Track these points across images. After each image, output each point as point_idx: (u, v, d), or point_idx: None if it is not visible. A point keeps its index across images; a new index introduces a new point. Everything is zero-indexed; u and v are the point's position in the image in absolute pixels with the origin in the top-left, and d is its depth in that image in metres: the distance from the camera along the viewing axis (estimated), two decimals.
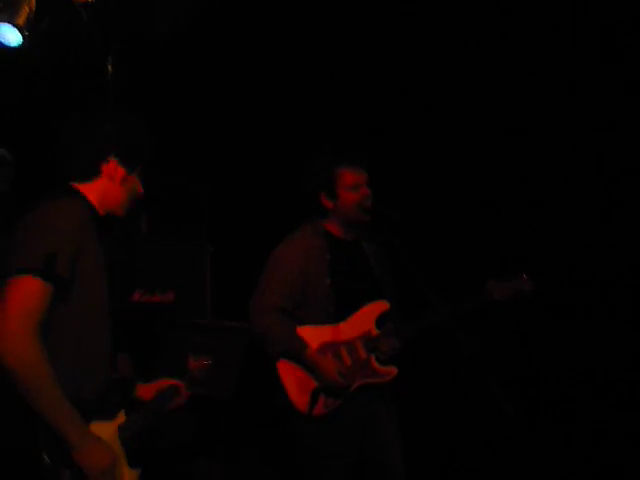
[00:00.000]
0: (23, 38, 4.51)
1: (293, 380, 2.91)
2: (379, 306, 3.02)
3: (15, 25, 4.55)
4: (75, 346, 1.88)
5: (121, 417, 2.03)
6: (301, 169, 3.11)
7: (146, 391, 2.24)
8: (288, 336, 2.92)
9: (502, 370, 2.73)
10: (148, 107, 4.78)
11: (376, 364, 2.96)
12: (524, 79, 3.57)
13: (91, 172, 2.08)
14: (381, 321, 3.01)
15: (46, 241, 1.83)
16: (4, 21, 4.52)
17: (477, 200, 3.68)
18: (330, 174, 3.01)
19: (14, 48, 4.53)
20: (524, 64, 3.54)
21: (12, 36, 4.54)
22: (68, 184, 2.09)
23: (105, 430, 1.92)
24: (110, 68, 4.78)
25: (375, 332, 2.99)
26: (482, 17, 3.63)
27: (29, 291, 1.74)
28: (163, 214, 4.66)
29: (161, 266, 4.41)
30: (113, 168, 2.08)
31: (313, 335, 2.94)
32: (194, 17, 4.74)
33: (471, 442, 3.61)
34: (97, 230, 2.01)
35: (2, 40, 4.52)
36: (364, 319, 3.00)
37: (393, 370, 2.97)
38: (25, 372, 1.70)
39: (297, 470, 2.94)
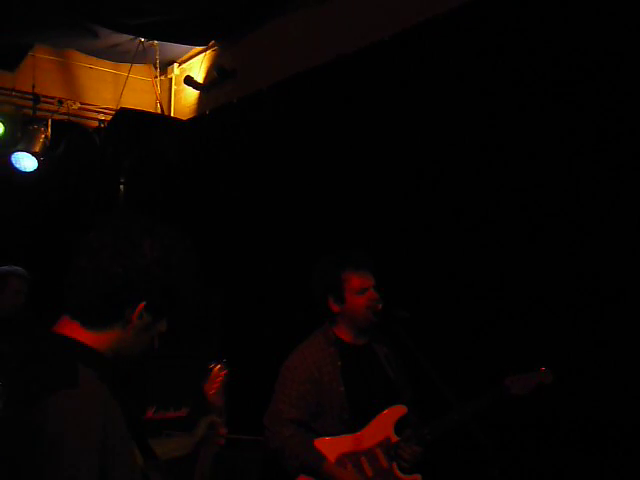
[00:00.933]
0: (38, 163, 4.71)
1: None
2: (397, 411, 2.93)
3: (32, 153, 4.78)
4: None
5: None
6: (309, 275, 3.12)
7: None
8: (304, 450, 2.82)
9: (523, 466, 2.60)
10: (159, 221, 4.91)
11: (399, 473, 2.84)
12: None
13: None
14: (400, 426, 2.92)
15: None
16: (22, 150, 4.76)
17: (486, 295, 3.65)
18: (336, 279, 3.02)
19: (30, 173, 4.73)
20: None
21: (28, 162, 4.76)
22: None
23: None
24: (122, 188, 4.95)
25: (395, 439, 2.89)
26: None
27: None
28: (175, 329, 4.65)
29: (174, 382, 4.35)
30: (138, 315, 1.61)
31: (331, 446, 2.85)
32: (199, 139, 4.94)
33: None
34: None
35: (19, 166, 4.73)
36: (382, 426, 2.90)
37: (417, 477, 2.85)
38: None
39: None
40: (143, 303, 1.58)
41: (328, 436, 2.86)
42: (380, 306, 2.96)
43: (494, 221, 3.66)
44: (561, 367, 3.05)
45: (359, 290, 2.99)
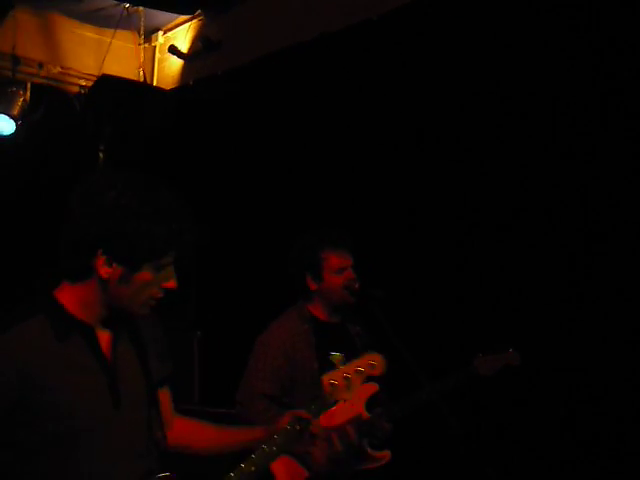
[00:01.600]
0: (16, 127, 4.64)
1: (284, 471, 2.81)
2: (368, 389, 2.96)
3: (9, 115, 4.70)
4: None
5: None
6: (287, 252, 3.14)
7: None
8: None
9: (494, 447, 2.68)
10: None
11: (369, 449, 2.91)
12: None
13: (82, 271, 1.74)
14: (370, 403, 2.97)
15: None
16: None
17: (459, 276, 3.71)
18: (315, 257, 3.04)
19: (7, 136, 4.66)
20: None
21: (5, 125, 4.68)
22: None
23: None
24: (101, 155, 4.90)
25: (366, 415, 2.93)
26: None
27: None
28: None
29: None
30: (104, 267, 1.71)
31: None
32: (182, 110, 4.89)
33: None
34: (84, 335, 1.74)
35: None
36: (353, 403, 2.94)
37: (387, 454, 2.93)
38: None
39: None
40: (100, 250, 1.69)
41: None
42: (357, 285, 3.00)
43: (468, 203, 3.70)
44: (529, 349, 3.12)
45: (337, 269, 3.02)
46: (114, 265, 1.71)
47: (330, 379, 2.14)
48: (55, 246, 1.76)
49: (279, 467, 2.81)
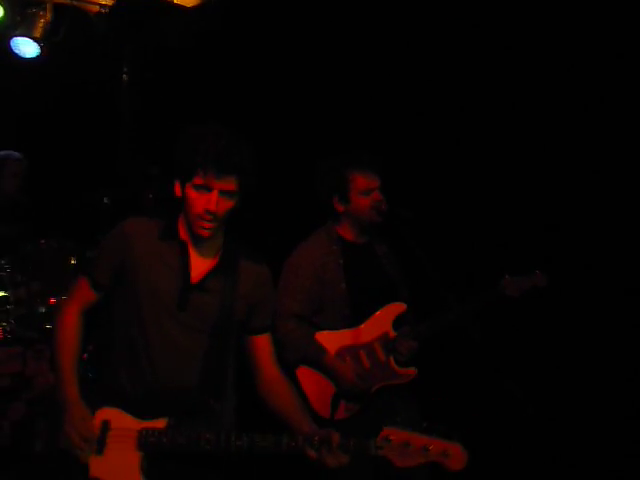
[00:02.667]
0: (40, 49, 4.59)
1: (313, 386, 2.92)
2: (396, 308, 3.03)
3: (32, 37, 4.63)
4: (120, 337, 2.22)
5: (158, 423, 2.11)
6: (314, 173, 3.13)
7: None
8: (306, 342, 2.94)
9: (518, 367, 2.73)
10: (163, 114, 4.85)
11: (395, 365, 2.97)
12: (541, 76, 3.56)
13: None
14: (398, 322, 3.03)
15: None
16: (21, 34, 4.61)
17: (489, 197, 3.68)
18: (343, 178, 3.04)
19: (31, 59, 4.62)
20: (542, 61, 3.53)
21: (29, 48, 4.62)
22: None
23: (122, 421, 2.13)
24: (125, 77, 4.84)
25: (393, 334, 3.00)
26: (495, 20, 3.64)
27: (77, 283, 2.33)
28: None
29: None
30: (177, 190, 2.18)
31: (331, 340, 2.96)
32: (204, 28, 4.79)
33: (491, 440, 3.61)
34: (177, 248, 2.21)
35: (19, 52, 4.60)
36: (381, 321, 3.01)
37: (412, 371, 2.99)
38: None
39: (319, 476, 2.94)
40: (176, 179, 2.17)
41: (329, 330, 2.98)
42: (384, 206, 3.00)
43: (498, 122, 3.64)
44: (556, 270, 3.13)
45: (364, 191, 3.02)
46: (177, 185, 2.15)
47: (390, 435, 2.01)
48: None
49: (308, 383, 2.92)
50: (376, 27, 4.10)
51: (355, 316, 2.99)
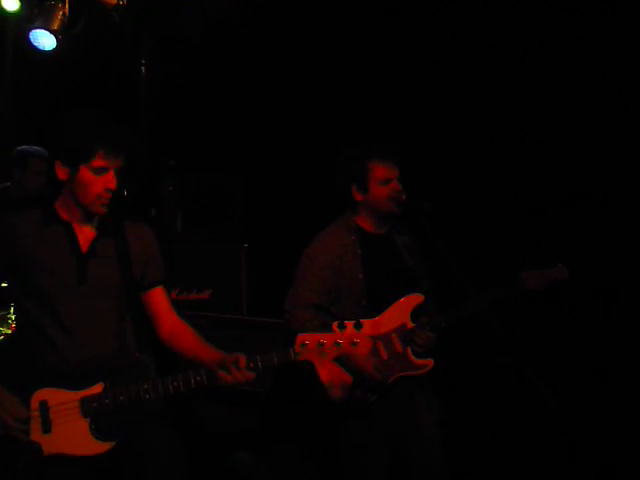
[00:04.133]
0: (57, 42, 4.60)
1: (330, 375, 2.92)
2: (414, 299, 3.01)
3: (50, 30, 4.65)
4: (35, 324, 2.32)
5: (95, 389, 2.27)
6: (333, 163, 3.11)
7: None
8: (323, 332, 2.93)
9: (538, 359, 2.70)
10: (181, 106, 4.86)
11: (413, 357, 2.96)
12: (555, 71, 3.53)
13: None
14: (416, 313, 3.00)
15: None
16: (40, 27, 4.63)
17: (510, 190, 3.65)
18: (362, 168, 3.02)
19: (49, 51, 4.63)
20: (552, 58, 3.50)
21: (47, 40, 4.64)
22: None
23: (60, 397, 2.25)
24: (143, 69, 4.85)
25: (410, 325, 2.98)
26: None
27: None
28: (198, 214, 4.71)
29: (197, 265, 4.46)
30: (60, 173, 2.28)
31: None
32: (222, 19, 4.78)
33: (511, 431, 3.59)
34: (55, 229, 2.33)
35: (38, 44, 4.62)
36: (399, 312, 2.99)
37: (430, 362, 2.97)
38: None
39: (337, 464, 2.94)
40: (56, 159, 2.27)
41: (346, 320, 2.96)
42: (404, 197, 2.98)
43: (517, 119, 3.60)
44: (577, 263, 3.09)
45: (383, 180, 3.00)
46: (61, 167, 2.26)
47: (304, 339, 2.25)
48: None
49: (325, 373, 2.91)
50: (397, 18, 4.06)
51: (373, 307, 2.97)
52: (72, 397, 2.26)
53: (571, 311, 3.33)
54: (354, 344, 2.25)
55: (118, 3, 4.92)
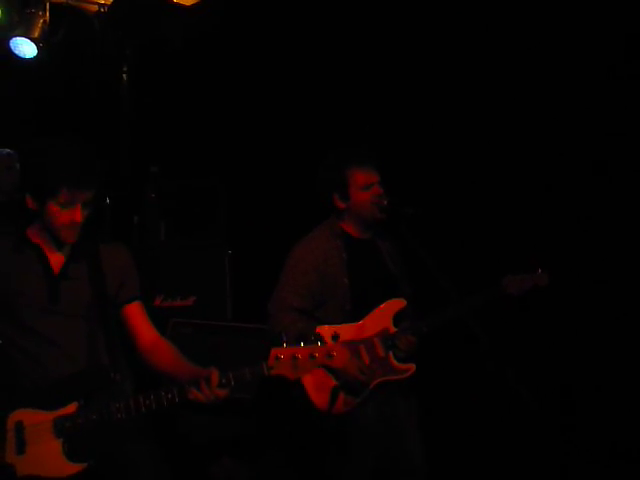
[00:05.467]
0: (38, 50, 4.58)
1: (312, 379, 2.92)
2: (396, 304, 3.03)
3: (30, 38, 4.63)
4: (11, 345, 2.35)
5: (68, 409, 2.27)
6: (315, 170, 3.13)
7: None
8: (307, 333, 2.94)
9: (519, 362, 2.73)
10: (163, 112, 4.85)
11: (394, 361, 2.97)
12: (542, 72, 3.56)
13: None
14: (398, 318, 3.02)
15: None
16: (20, 35, 4.61)
17: (491, 195, 3.67)
18: (341, 176, 3.03)
19: (30, 59, 4.61)
20: (541, 58, 3.54)
21: (28, 48, 4.62)
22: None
23: (35, 418, 2.26)
24: (125, 77, 4.84)
25: (393, 329, 3.00)
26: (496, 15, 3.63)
27: None
28: (181, 220, 4.71)
29: (181, 271, 4.45)
30: (30, 203, 2.34)
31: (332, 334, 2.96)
32: (203, 25, 4.78)
33: (492, 435, 3.61)
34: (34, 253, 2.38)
35: (18, 52, 4.60)
36: (382, 317, 3.01)
37: (411, 367, 2.99)
38: None
39: (318, 467, 2.95)
40: (26, 191, 2.33)
41: (329, 324, 2.97)
42: (385, 202, 2.99)
43: (502, 123, 3.63)
44: (558, 269, 3.12)
45: (364, 186, 3.01)
46: (31, 200, 2.32)
47: (278, 353, 2.18)
48: None
49: (308, 377, 2.90)
50: (374, 22, 4.09)
51: (356, 311, 2.99)
52: (46, 417, 2.26)
53: (551, 314, 3.36)
54: (330, 356, 2.19)
55: (99, 10, 4.91)
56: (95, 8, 4.92)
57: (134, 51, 4.78)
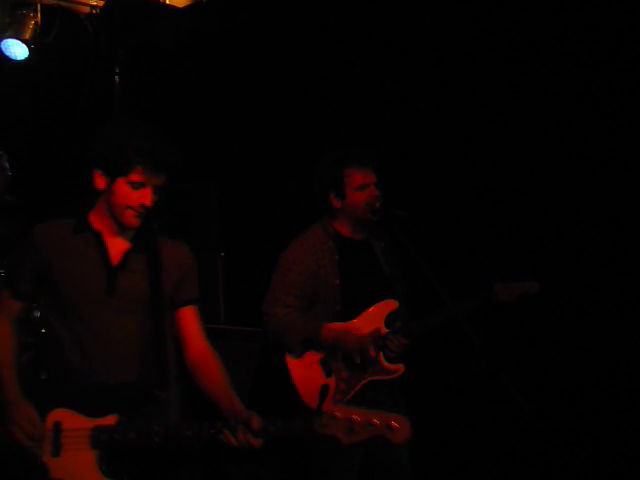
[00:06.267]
0: (29, 51, 4.57)
1: (302, 377, 2.94)
2: (388, 305, 3.04)
3: (22, 39, 4.62)
4: (67, 343, 2.24)
5: (108, 420, 2.14)
6: (311, 170, 3.13)
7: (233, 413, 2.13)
8: (302, 322, 2.95)
9: (512, 366, 2.74)
10: (155, 114, 4.84)
11: (384, 362, 2.99)
12: (533, 80, 3.57)
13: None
14: (390, 319, 3.03)
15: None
16: (11, 36, 4.60)
17: (485, 199, 3.69)
18: (338, 175, 3.04)
19: (21, 61, 4.60)
20: (532, 65, 3.55)
21: (19, 50, 4.61)
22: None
23: (73, 421, 2.15)
24: (117, 78, 4.83)
25: (384, 330, 3.01)
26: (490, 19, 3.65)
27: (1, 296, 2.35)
28: (173, 223, 4.69)
29: None
30: (98, 181, 2.23)
31: None
32: (195, 28, 4.78)
33: (484, 437, 3.61)
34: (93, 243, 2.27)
35: (9, 54, 4.59)
36: (373, 318, 3.02)
37: (401, 368, 3.00)
38: None
39: (307, 465, 2.95)
40: (96, 166, 2.21)
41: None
42: (378, 203, 2.99)
43: (496, 129, 3.65)
44: (549, 278, 3.14)
45: (360, 187, 3.02)
46: (101, 177, 2.21)
47: (335, 411, 1.99)
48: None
49: (298, 374, 2.93)
50: (370, 23, 4.09)
51: (347, 312, 2.99)
52: (85, 424, 2.14)
53: (543, 315, 3.38)
54: (390, 429, 1.95)
55: (91, 12, 4.91)
56: (87, 10, 4.91)
57: (126, 53, 4.77)
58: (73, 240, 2.26)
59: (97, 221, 2.28)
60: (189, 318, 2.33)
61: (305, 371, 2.94)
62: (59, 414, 2.15)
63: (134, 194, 2.18)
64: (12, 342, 2.28)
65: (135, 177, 2.16)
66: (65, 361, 2.23)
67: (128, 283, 2.24)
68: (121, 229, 2.26)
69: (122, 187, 2.18)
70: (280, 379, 2.97)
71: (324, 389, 2.88)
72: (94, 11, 4.83)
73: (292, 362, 2.97)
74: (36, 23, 4.64)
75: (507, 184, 3.64)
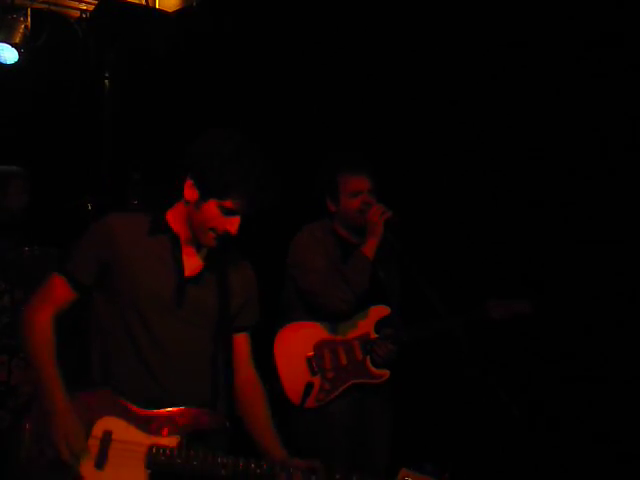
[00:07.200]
0: (19, 56, 4.56)
1: (288, 371, 2.96)
2: (380, 310, 3.06)
3: (12, 43, 4.61)
4: (126, 347, 2.08)
5: (170, 441, 1.97)
6: (303, 176, 3.16)
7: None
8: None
9: (502, 372, 2.76)
10: (145, 119, 4.84)
11: (371, 366, 3.01)
12: (529, 85, 3.60)
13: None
14: (382, 325, 3.05)
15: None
16: (1, 40, 4.58)
17: (482, 210, 3.71)
18: (333, 180, 3.07)
19: (11, 65, 4.59)
20: (528, 68, 3.58)
21: (9, 54, 4.60)
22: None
23: (128, 434, 1.97)
24: (107, 82, 4.83)
25: (373, 335, 3.03)
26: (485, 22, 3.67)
27: (51, 283, 2.14)
28: None
29: None
30: (188, 191, 2.10)
31: (313, 331, 3.01)
32: (186, 32, 4.78)
33: (474, 443, 3.64)
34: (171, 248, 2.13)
35: None
36: (364, 322, 3.05)
37: (386, 373, 3.03)
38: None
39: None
40: (189, 174, 2.08)
41: (314, 321, 3.01)
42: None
43: (492, 140, 3.67)
44: (544, 298, 3.16)
45: (352, 192, 3.04)
46: (193, 188, 2.07)
47: (408, 477, 1.95)
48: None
49: (285, 368, 2.95)
50: (367, 25, 4.10)
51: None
52: (142, 439, 1.95)
53: (533, 321, 3.41)
54: None
55: (81, 16, 4.91)
56: (77, 14, 4.91)
57: (116, 57, 4.77)
58: (148, 238, 2.11)
59: (177, 222, 2.15)
60: (242, 345, 2.25)
61: (292, 367, 2.96)
62: (111, 422, 1.96)
63: (222, 219, 2.05)
64: (54, 345, 2.07)
65: (229, 204, 2.04)
66: (119, 366, 2.06)
67: (198, 297, 2.12)
68: (196, 241, 2.14)
69: (212, 209, 2.05)
70: (267, 369, 2.95)
71: (308, 387, 2.88)
72: (84, 15, 4.83)
73: (280, 357, 2.98)
74: (26, 27, 4.63)
75: (507, 194, 3.67)
